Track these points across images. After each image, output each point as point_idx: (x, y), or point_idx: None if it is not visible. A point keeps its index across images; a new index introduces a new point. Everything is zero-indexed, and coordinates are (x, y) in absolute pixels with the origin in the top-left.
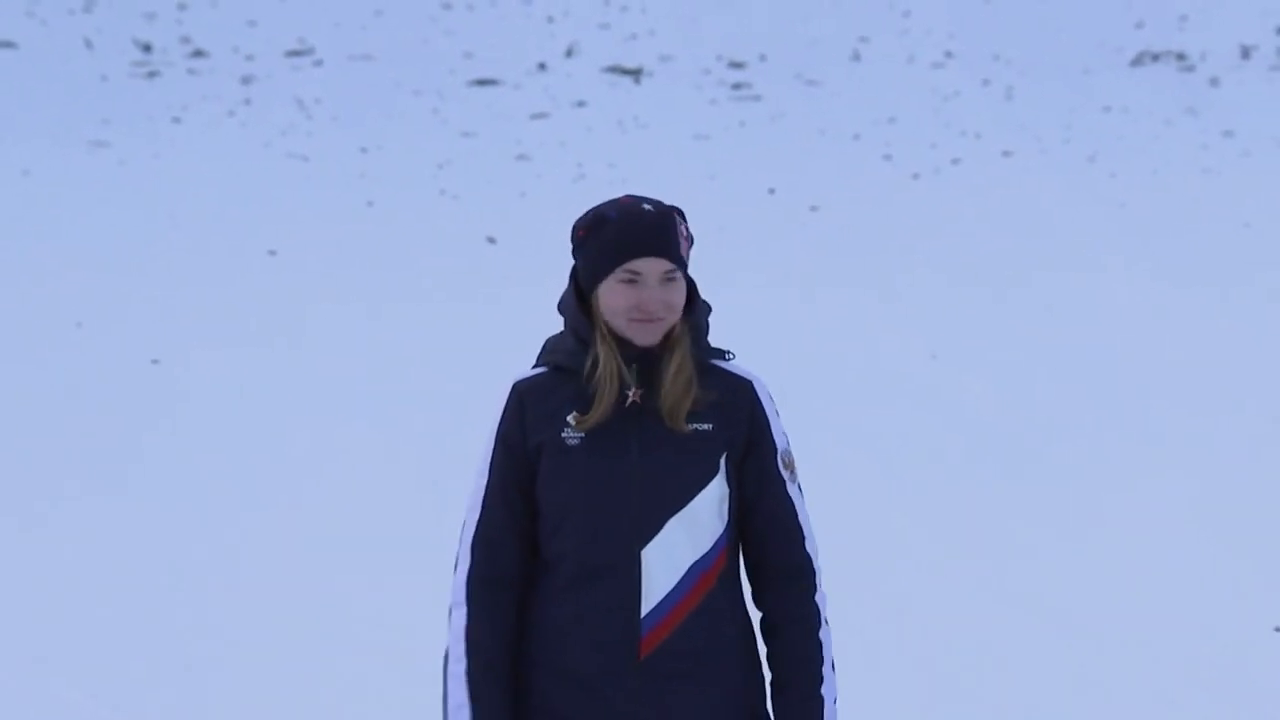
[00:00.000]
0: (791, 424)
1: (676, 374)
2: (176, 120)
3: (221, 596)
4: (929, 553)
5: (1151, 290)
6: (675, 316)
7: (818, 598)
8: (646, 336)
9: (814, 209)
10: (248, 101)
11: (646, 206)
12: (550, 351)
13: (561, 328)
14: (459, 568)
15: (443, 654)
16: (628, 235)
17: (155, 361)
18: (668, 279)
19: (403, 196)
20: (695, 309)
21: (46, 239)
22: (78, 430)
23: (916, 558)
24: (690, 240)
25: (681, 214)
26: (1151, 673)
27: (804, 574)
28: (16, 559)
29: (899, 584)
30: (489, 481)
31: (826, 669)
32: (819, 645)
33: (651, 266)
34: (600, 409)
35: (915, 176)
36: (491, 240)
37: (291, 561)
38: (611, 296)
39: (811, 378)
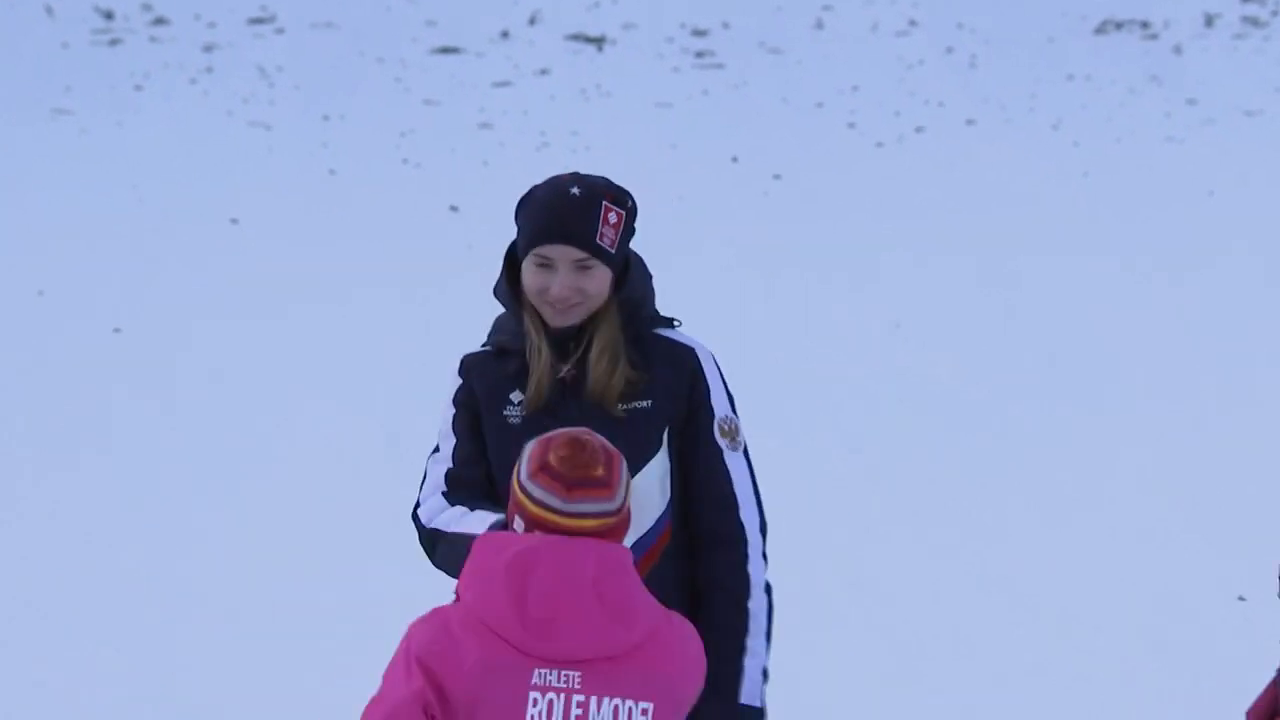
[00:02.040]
0: (754, 394)
1: (599, 357)
2: (138, 88)
3: (186, 570)
4: (891, 527)
5: (1113, 258)
6: (595, 301)
7: (750, 567)
8: (559, 319)
9: (777, 177)
10: (209, 69)
11: (574, 190)
12: (497, 331)
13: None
14: (428, 479)
15: (421, 543)
16: (542, 219)
17: (117, 330)
18: (581, 267)
19: (365, 165)
20: (629, 283)
21: (7, 206)
22: (39, 399)
23: (878, 531)
24: (623, 224)
25: (618, 196)
26: (1115, 645)
27: (736, 543)
28: None
29: (861, 556)
30: (457, 443)
31: (754, 640)
32: (746, 615)
33: (562, 253)
34: (537, 389)
35: (879, 145)
36: (454, 209)
37: (258, 534)
38: (527, 277)
39: (773, 347)
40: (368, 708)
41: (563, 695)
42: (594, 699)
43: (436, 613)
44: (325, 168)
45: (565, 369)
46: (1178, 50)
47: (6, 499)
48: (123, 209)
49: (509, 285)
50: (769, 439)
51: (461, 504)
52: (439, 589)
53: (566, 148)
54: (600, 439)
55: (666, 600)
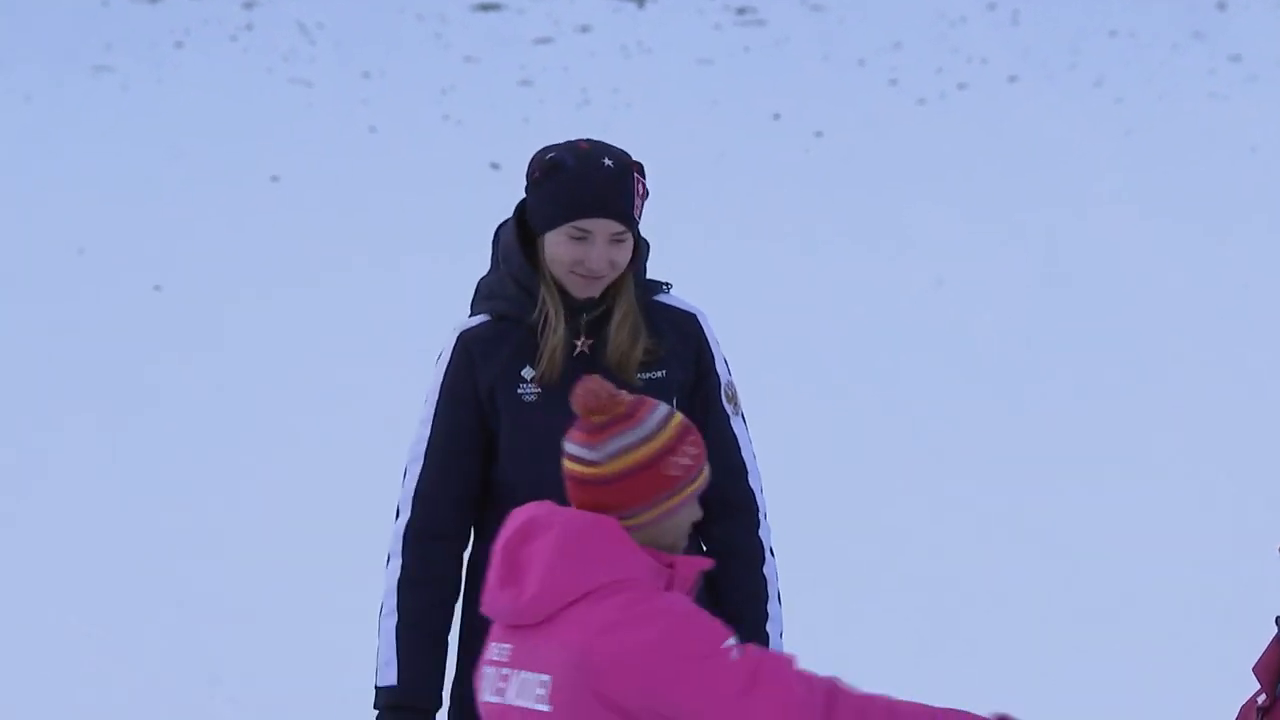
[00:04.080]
0: (795, 352)
1: (620, 325)
2: (179, 45)
3: (222, 526)
4: (932, 486)
5: (1156, 215)
6: (618, 272)
7: (761, 532)
8: (585, 290)
9: (819, 135)
10: (250, 26)
11: (606, 161)
12: (488, 298)
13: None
14: (399, 518)
15: (379, 605)
16: (582, 191)
17: (157, 288)
18: (616, 239)
19: (406, 122)
20: (636, 254)
21: (48, 163)
22: (79, 356)
23: (918, 489)
24: (645, 195)
25: (640, 169)
26: (1158, 604)
27: (747, 509)
28: (14, 490)
29: (901, 515)
30: (431, 434)
31: (772, 604)
32: (764, 580)
33: (601, 227)
34: (551, 363)
35: (921, 102)
36: (495, 166)
37: (297, 495)
38: (557, 248)
39: (814, 305)
40: None
41: (494, 669)
42: (515, 673)
43: None
44: (366, 124)
45: (582, 340)
46: (1221, 6)
47: (47, 456)
48: (163, 166)
49: (522, 252)
50: (809, 397)
51: (425, 586)
52: None
53: (607, 105)
54: (621, 396)
55: None
